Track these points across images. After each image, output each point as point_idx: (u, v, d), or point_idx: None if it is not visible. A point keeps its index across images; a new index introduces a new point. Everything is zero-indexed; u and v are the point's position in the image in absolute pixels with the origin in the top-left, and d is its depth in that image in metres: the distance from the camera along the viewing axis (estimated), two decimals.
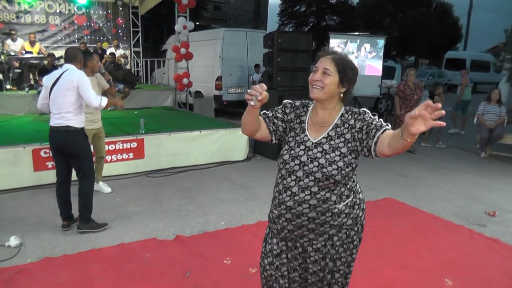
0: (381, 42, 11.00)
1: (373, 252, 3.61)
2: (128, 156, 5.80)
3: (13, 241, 3.56)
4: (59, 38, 12.39)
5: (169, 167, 6.10)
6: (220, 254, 3.50)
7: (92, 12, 12.77)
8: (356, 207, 1.86)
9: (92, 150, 4.78)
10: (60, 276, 3.10)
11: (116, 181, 5.39)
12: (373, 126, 1.73)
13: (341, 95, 1.84)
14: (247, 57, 11.24)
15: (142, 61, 13.75)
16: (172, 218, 4.32)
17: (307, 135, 1.86)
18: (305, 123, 1.90)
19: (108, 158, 5.42)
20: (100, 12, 12.94)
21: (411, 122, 1.39)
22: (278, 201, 1.85)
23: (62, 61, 10.06)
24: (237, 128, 6.47)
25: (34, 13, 11.83)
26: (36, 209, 4.47)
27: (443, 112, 1.35)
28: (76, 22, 12.60)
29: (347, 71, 1.79)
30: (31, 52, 9.63)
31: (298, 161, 1.80)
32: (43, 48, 10.45)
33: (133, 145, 5.82)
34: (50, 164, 5.18)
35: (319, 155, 1.78)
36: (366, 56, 10.91)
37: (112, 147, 5.58)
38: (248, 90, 1.73)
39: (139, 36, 13.91)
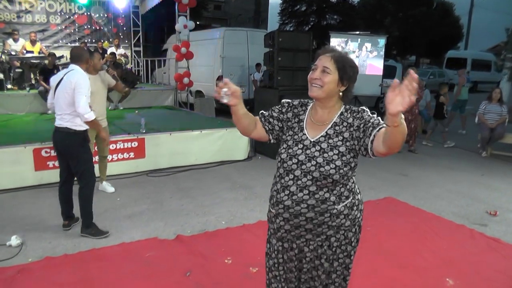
0: (382, 41, 10.99)
1: (374, 252, 3.60)
2: (129, 155, 5.80)
3: (14, 240, 3.56)
4: (60, 37, 12.37)
5: (169, 167, 6.11)
6: (220, 254, 3.50)
7: (93, 11, 12.76)
8: (355, 208, 1.84)
9: (95, 149, 4.80)
10: (61, 276, 3.10)
11: (117, 181, 5.39)
12: (370, 124, 1.69)
13: (341, 93, 1.81)
14: (248, 56, 11.24)
15: (143, 60, 13.75)
16: (173, 218, 4.32)
17: (305, 134, 1.83)
18: (303, 121, 1.88)
19: (109, 157, 5.41)
20: (101, 11, 12.93)
21: (390, 98, 1.38)
22: (276, 200, 1.83)
23: (63, 60, 10.10)
24: None
25: (34, 13, 11.82)
26: (37, 208, 4.48)
27: (415, 85, 1.32)
28: (76, 21, 12.59)
29: (347, 69, 1.77)
30: (32, 52, 9.62)
31: (296, 160, 1.78)
32: (44, 47, 10.44)
33: (134, 144, 5.82)
34: (51, 163, 5.18)
35: (316, 153, 1.75)
36: (367, 56, 10.91)
37: (113, 146, 5.58)
38: (215, 89, 1.74)
39: (139, 36, 13.90)
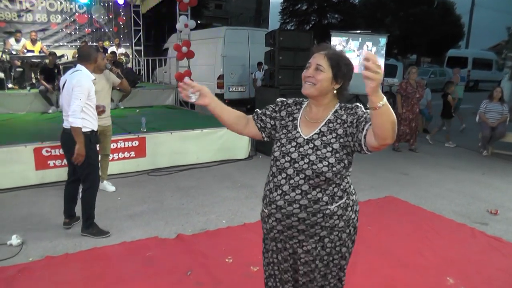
0: (382, 40, 10.98)
1: (374, 251, 3.60)
2: (130, 154, 5.81)
3: (15, 239, 3.57)
4: (61, 37, 12.37)
5: (170, 166, 6.11)
6: (221, 253, 3.50)
7: (93, 10, 12.76)
8: (349, 209, 1.81)
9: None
10: (61, 275, 3.10)
11: (117, 180, 5.39)
12: (362, 119, 1.68)
13: (335, 91, 1.79)
14: (249, 55, 11.22)
15: (144, 59, 13.75)
16: (174, 217, 4.32)
17: (299, 132, 1.82)
18: (297, 120, 1.86)
19: (109, 156, 5.42)
20: (102, 10, 12.93)
21: (365, 82, 1.41)
22: (269, 200, 1.81)
23: (63, 60, 10.11)
24: None
25: (35, 12, 11.81)
26: (38, 208, 4.48)
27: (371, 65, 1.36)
28: (77, 20, 12.59)
29: (341, 66, 1.75)
30: (32, 51, 9.63)
31: (289, 158, 1.76)
32: (45, 47, 10.44)
33: (135, 143, 5.82)
34: (52, 163, 5.19)
35: (310, 151, 1.73)
36: None
37: (114, 145, 5.58)
38: (179, 89, 1.79)
39: (140, 35, 13.90)
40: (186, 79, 1.82)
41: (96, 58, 3.86)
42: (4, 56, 9.07)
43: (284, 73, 6.79)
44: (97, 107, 4.07)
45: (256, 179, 5.65)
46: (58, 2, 12.13)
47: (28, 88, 8.81)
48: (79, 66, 3.73)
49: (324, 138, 1.75)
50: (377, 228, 4.10)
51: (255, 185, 5.41)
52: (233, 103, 11.13)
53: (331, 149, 1.72)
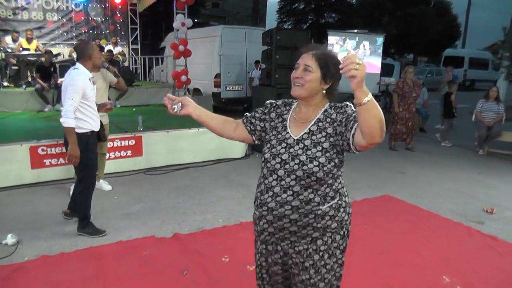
0: (380, 39, 10.98)
1: (371, 250, 3.61)
2: (126, 153, 5.79)
3: (10, 239, 3.54)
4: (57, 35, 12.31)
5: (167, 165, 6.10)
6: (218, 252, 3.49)
7: (90, 8, 12.71)
8: (342, 209, 1.78)
9: None
10: (57, 274, 3.09)
11: (114, 179, 5.38)
12: (352, 118, 1.65)
13: (324, 91, 1.77)
14: (246, 54, 11.21)
15: (140, 58, 13.71)
16: (170, 216, 4.31)
17: (288, 132, 1.80)
18: (287, 120, 1.85)
19: (106, 155, 5.40)
20: (98, 9, 12.89)
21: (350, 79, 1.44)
22: (260, 202, 1.79)
23: (59, 58, 10.06)
24: None
25: (31, 10, 11.74)
26: (33, 207, 4.46)
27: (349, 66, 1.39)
28: (74, 19, 12.53)
29: (329, 66, 1.72)
30: (28, 49, 9.58)
31: (279, 159, 1.74)
32: (41, 45, 10.39)
33: (131, 142, 5.80)
34: (47, 161, 5.17)
35: (300, 151, 1.71)
36: (365, 54, 10.90)
37: (110, 144, 5.55)
38: (166, 102, 1.88)
39: (137, 33, 13.85)
40: (169, 95, 1.88)
41: (91, 54, 3.63)
42: None
43: (281, 72, 6.78)
44: (104, 104, 4.03)
45: (252, 178, 5.65)
46: (55, 0, 12.07)
47: (24, 86, 8.76)
48: (77, 64, 3.63)
49: (313, 137, 1.73)
50: (373, 227, 4.10)
51: (252, 184, 5.40)
52: (230, 102, 11.16)
53: (321, 148, 1.70)
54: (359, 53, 10.82)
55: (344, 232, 1.82)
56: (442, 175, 6.21)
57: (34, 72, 8.68)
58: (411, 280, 3.16)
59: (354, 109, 1.71)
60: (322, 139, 1.72)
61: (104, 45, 11.97)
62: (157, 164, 6.03)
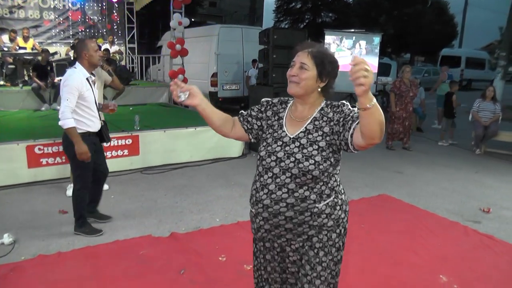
0: (376, 39, 11.01)
1: (368, 249, 3.61)
2: (123, 152, 5.78)
3: (7, 238, 3.53)
4: (54, 33, 12.26)
5: (164, 164, 6.08)
6: (215, 251, 3.49)
7: (87, 7, 12.68)
8: (338, 207, 1.78)
9: None
10: (54, 274, 3.08)
11: (110, 178, 5.33)
12: (349, 117, 1.65)
13: (319, 89, 1.77)
14: (243, 53, 11.21)
15: (137, 57, 13.68)
16: (167, 215, 4.30)
17: (284, 131, 1.80)
18: (283, 119, 1.85)
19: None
20: (95, 7, 12.85)
21: (354, 82, 1.38)
22: (255, 199, 1.79)
23: (56, 57, 10.02)
24: None
25: (27, 8, 11.69)
26: (30, 206, 4.44)
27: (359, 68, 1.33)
28: (70, 17, 12.49)
29: (325, 64, 1.72)
30: (24, 48, 9.55)
31: (275, 157, 1.74)
32: (37, 44, 10.35)
33: (128, 141, 5.79)
34: (44, 161, 5.15)
35: (296, 150, 1.71)
36: (361, 53, 10.92)
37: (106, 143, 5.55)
38: (172, 87, 1.78)
39: (134, 33, 13.83)
40: (176, 80, 1.79)
41: (85, 52, 3.51)
42: None
43: (278, 71, 6.77)
44: (107, 105, 4.00)
45: (249, 178, 5.60)
46: None
47: (21, 85, 8.73)
48: (76, 64, 3.60)
49: (310, 136, 1.73)
50: (370, 227, 4.11)
51: (249, 183, 5.36)
52: (227, 101, 11.15)
53: (317, 147, 1.70)
54: (355, 53, 10.84)
55: (340, 230, 1.82)
56: (439, 174, 6.22)
57: (31, 71, 8.64)
58: (408, 279, 3.17)
59: (351, 108, 1.71)
60: (319, 138, 1.72)
61: (101, 44, 11.92)
62: (154, 163, 6.02)
